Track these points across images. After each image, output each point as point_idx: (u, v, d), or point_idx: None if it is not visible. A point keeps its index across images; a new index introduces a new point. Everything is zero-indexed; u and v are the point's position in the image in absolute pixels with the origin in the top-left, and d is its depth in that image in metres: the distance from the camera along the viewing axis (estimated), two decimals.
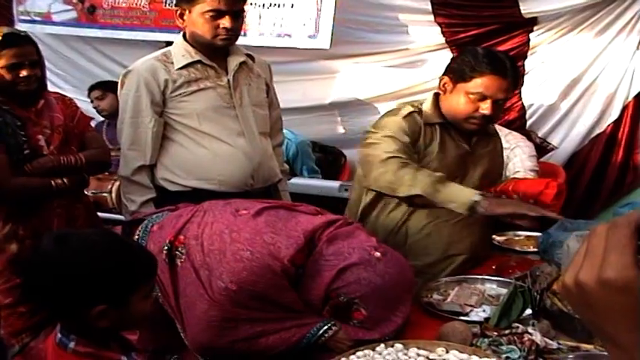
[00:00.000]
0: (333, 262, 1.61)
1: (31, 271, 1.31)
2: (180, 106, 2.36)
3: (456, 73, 2.08)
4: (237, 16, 2.35)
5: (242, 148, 2.40)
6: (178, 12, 2.39)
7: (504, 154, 2.95)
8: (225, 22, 2.30)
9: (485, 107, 2.04)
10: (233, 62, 2.44)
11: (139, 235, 1.74)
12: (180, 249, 1.66)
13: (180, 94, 2.36)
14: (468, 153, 2.18)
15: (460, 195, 1.93)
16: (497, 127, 3.07)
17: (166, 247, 1.65)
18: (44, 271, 1.28)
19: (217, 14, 2.29)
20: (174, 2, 3.70)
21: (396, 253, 1.75)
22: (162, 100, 2.36)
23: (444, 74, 2.13)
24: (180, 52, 2.39)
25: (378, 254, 1.64)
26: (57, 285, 1.27)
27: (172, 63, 2.38)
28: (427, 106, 2.16)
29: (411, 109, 2.14)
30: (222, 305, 1.57)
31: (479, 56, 2.05)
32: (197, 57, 2.38)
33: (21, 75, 2.35)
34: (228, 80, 2.41)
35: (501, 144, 2.38)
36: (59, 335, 1.30)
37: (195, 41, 2.38)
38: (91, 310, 1.25)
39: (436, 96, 2.17)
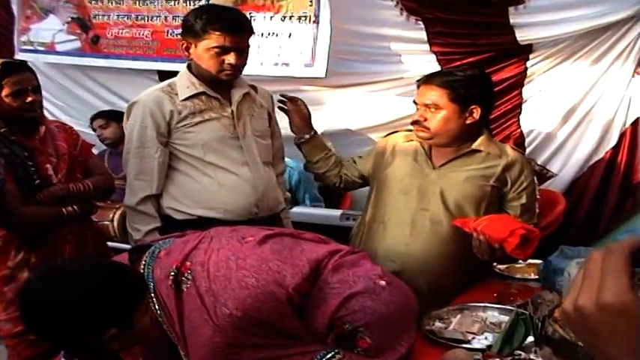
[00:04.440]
0: (338, 290, 1.62)
1: (24, 308, 1.34)
2: (186, 137, 2.39)
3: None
4: (242, 52, 2.39)
5: (246, 177, 2.43)
6: (184, 45, 2.42)
7: None
8: (231, 58, 2.34)
9: (415, 114, 2.38)
10: (237, 93, 2.47)
11: (145, 261, 1.76)
12: (186, 275, 1.68)
13: (185, 125, 2.39)
14: (426, 171, 2.36)
15: None
16: None
17: (173, 273, 1.67)
18: (36, 308, 1.31)
19: (223, 51, 2.33)
20: (175, 33, 3.79)
21: (401, 282, 1.77)
22: (168, 131, 2.39)
23: None
24: (185, 83, 2.43)
25: (383, 283, 1.65)
26: (50, 318, 1.29)
27: (177, 94, 2.41)
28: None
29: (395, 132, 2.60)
30: (226, 331, 1.58)
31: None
32: (201, 88, 2.41)
33: (27, 101, 2.38)
34: (232, 111, 2.45)
35: (502, 167, 2.35)
36: None
37: (199, 74, 2.41)
38: (103, 336, 1.28)
39: None
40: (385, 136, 2.63)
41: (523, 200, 2.36)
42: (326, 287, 1.64)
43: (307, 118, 2.65)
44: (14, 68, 2.42)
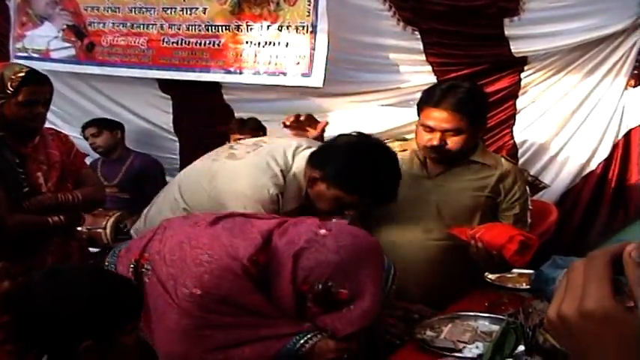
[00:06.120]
0: (288, 252, 1.64)
1: (19, 305, 1.33)
2: None
3: (417, 106, 2.35)
4: None
5: None
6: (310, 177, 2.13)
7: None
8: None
9: (432, 138, 2.24)
10: None
11: (108, 261, 1.80)
12: (145, 266, 1.71)
13: None
14: (422, 180, 2.36)
15: None
16: None
17: (132, 266, 1.70)
18: (32, 306, 1.30)
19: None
20: (171, 41, 3.79)
21: (344, 224, 1.78)
22: None
23: None
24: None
25: (323, 231, 1.66)
26: (44, 320, 1.28)
27: None
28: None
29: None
30: (190, 312, 1.60)
31: (431, 90, 2.34)
32: None
33: (35, 112, 2.37)
34: None
35: (497, 178, 2.36)
36: None
37: None
38: (79, 345, 1.27)
39: None
40: None
41: (516, 210, 2.37)
42: (277, 252, 1.66)
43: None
44: (36, 79, 2.40)
